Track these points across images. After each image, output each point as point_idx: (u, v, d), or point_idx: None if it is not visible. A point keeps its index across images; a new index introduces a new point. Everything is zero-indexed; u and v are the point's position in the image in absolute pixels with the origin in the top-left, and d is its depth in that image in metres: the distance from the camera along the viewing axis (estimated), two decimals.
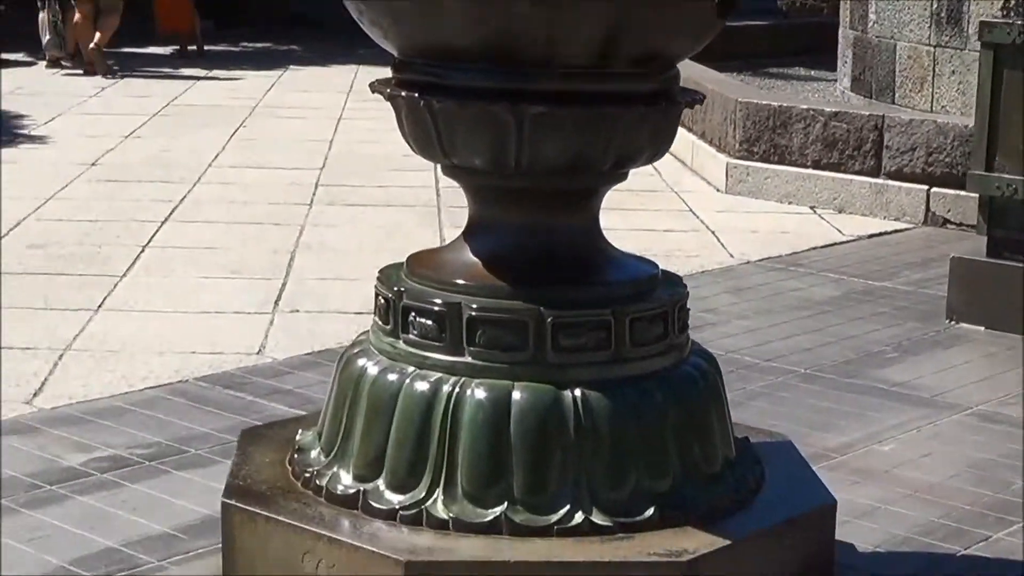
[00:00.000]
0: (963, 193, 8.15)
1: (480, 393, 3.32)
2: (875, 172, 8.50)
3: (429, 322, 3.39)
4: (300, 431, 3.72)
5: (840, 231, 8.04)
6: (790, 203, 8.74)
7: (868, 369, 5.57)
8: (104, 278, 6.58)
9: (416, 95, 3.31)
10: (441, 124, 3.31)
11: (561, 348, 3.35)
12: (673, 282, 3.62)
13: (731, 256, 7.42)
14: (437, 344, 3.39)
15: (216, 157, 9.75)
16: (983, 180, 6.15)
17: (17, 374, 5.24)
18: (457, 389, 3.33)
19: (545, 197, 3.42)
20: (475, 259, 3.46)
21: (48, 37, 14.43)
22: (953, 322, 6.24)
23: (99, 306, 6.14)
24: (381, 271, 3.61)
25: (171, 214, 7.95)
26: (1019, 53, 6.02)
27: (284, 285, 6.55)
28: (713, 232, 7.96)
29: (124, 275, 6.65)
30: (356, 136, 10.80)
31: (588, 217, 3.52)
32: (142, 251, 7.11)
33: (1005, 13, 6.20)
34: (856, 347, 5.85)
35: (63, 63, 14.50)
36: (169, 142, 10.32)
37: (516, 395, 3.31)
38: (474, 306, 3.36)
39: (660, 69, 3.39)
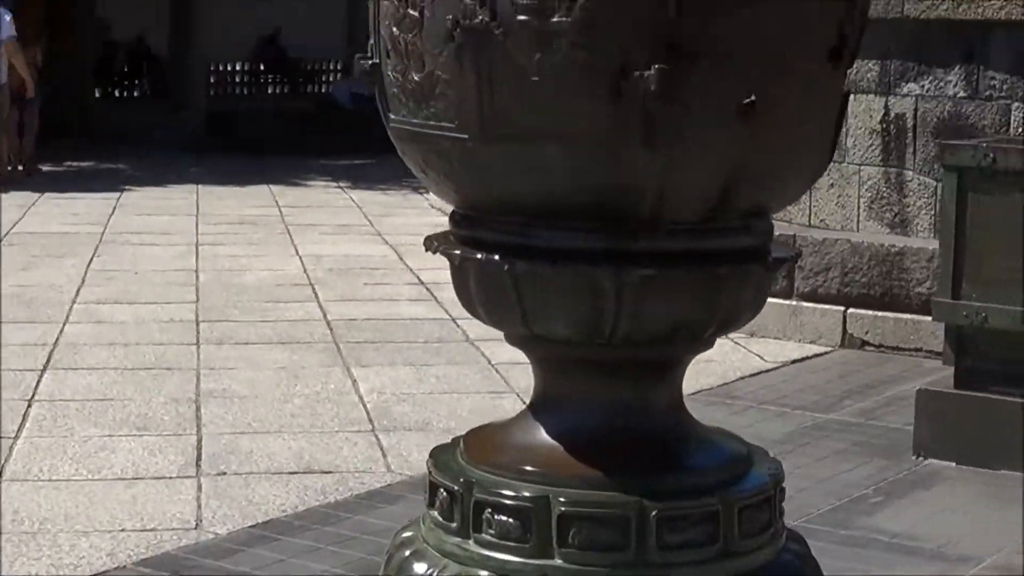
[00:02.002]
0: (880, 313, 7.92)
1: None
2: (788, 294, 8.19)
3: (509, 520, 2.89)
4: None
5: (761, 357, 7.71)
6: None
7: (858, 517, 5.19)
8: None
9: (496, 257, 2.83)
10: (525, 290, 2.83)
11: (666, 545, 2.87)
12: (763, 458, 3.18)
13: None
14: (520, 546, 2.88)
15: (78, 292, 9.08)
16: (950, 308, 5.84)
17: None
18: None
19: (637, 369, 2.96)
20: (554, 442, 2.97)
21: None
22: (921, 458, 5.90)
23: None
24: (433, 455, 3.10)
25: (49, 361, 7.28)
26: (983, 177, 5.74)
27: (200, 441, 5.94)
28: None
29: (17, 436, 5.98)
30: (221, 264, 10.22)
31: (675, 390, 3.07)
32: (29, 406, 6.44)
33: None
34: (835, 492, 5.47)
35: None
36: (22, 276, 9.61)
37: None
38: (563, 499, 2.87)
39: (759, 222, 2.97)
